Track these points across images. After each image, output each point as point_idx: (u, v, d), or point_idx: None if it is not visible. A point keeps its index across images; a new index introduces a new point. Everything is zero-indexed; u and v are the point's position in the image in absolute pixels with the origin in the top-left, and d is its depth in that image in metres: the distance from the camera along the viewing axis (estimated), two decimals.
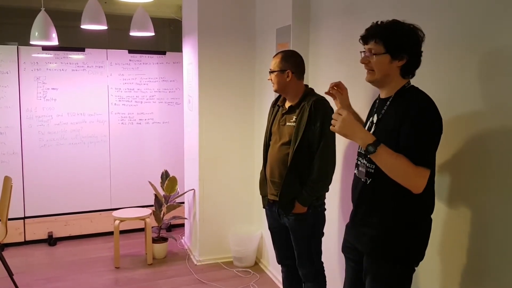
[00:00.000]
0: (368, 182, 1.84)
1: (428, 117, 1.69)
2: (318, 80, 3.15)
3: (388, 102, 1.82)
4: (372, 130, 1.86)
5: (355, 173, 1.97)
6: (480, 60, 1.86)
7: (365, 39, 1.82)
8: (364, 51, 1.85)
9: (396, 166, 1.68)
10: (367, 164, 1.84)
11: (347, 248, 2.05)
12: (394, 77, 1.79)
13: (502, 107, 1.76)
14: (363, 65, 1.86)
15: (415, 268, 1.84)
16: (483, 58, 1.85)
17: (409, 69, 1.79)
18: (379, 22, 1.79)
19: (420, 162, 1.66)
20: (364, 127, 1.93)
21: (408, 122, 1.69)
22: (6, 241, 4.14)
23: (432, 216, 1.84)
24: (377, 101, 1.93)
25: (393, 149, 1.69)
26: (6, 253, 4.28)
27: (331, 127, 1.80)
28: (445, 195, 2.04)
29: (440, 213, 2.04)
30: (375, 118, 1.87)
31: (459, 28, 1.96)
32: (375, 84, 1.86)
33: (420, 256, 1.82)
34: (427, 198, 1.79)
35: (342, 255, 2.10)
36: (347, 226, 2.04)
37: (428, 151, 1.69)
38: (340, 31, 2.88)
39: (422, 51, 1.79)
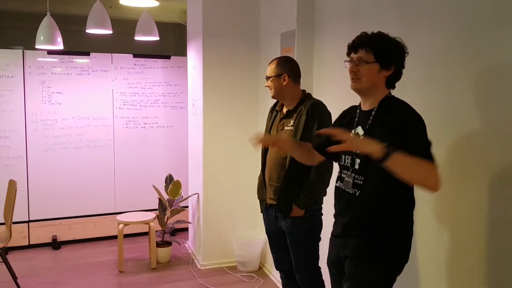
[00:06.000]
0: (357, 194, 1.82)
1: (421, 120, 1.72)
2: (322, 84, 3.14)
3: (373, 113, 1.82)
4: None
5: (337, 186, 1.95)
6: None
7: (355, 47, 1.82)
8: (348, 61, 1.84)
9: (416, 167, 1.60)
10: (356, 176, 1.83)
11: (331, 262, 2.04)
12: (380, 87, 1.81)
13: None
14: None
15: (398, 274, 1.85)
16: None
17: (394, 80, 1.83)
18: (369, 33, 1.81)
19: (432, 159, 1.65)
20: None
21: (407, 127, 1.70)
22: (11, 244, 4.15)
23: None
24: (358, 112, 1.92)
25: None
26: (11, 257, 4.28)
27: (343, 146, 1.71)
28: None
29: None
30: (359, 130, 1.85)
31: (463, 36, 1.96)
32: (361, 93, 1.86)
33: (405, 259, 1.84)
34: (410, 202, 1.82)
35: None
36: (330, 239, 2.03)
37: (430, 149, 1.69)
38: (344, 35, 2.85)
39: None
